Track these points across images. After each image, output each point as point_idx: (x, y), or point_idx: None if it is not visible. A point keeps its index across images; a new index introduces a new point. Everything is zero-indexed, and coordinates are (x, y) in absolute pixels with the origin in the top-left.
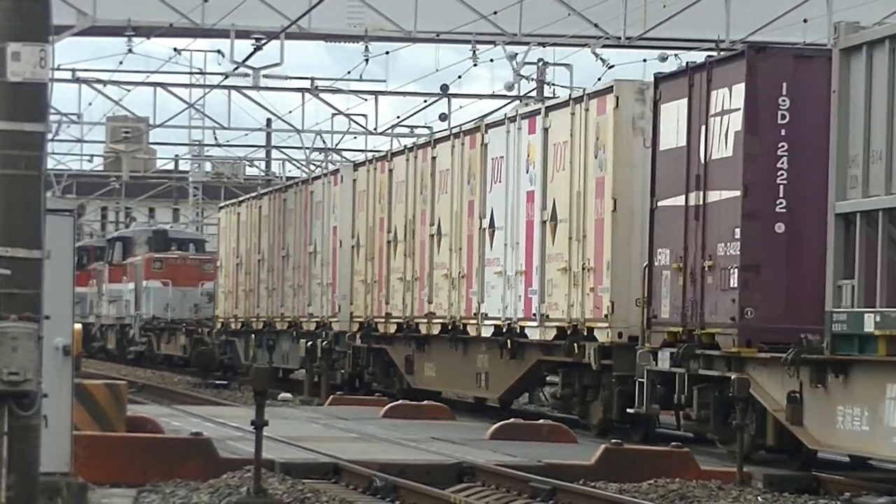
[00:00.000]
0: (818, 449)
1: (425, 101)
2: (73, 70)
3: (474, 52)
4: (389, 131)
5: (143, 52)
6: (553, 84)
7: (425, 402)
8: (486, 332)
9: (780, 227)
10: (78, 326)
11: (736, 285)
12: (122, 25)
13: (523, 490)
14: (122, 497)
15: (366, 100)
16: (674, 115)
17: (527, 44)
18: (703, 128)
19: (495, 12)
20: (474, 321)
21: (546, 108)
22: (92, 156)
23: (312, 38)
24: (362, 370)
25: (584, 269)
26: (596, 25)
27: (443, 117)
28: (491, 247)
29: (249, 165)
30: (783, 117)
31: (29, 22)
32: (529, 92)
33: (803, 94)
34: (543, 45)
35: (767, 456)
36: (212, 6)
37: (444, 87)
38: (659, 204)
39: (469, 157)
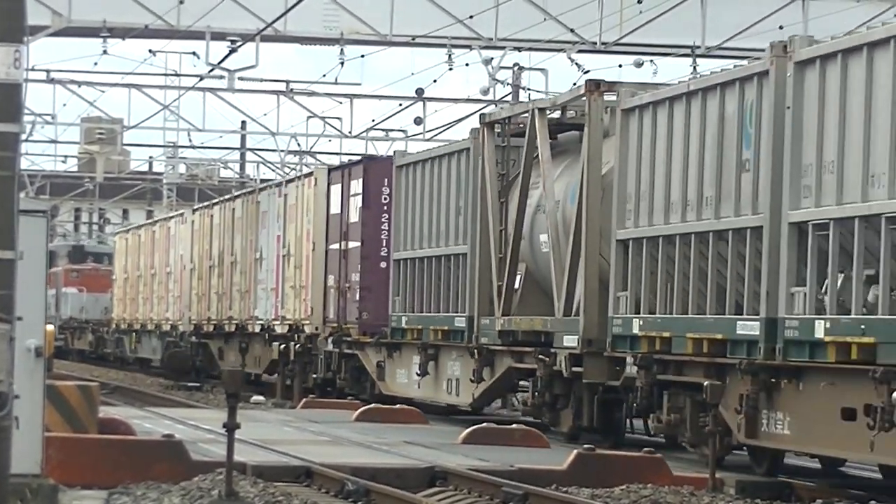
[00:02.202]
0: (387, 393)
1: (400, 105)
2: (48, 71)
3: (450, 56)
4: (364, 134)
5: (118, 54)
6: (528, 89)
7: (398, 405)
8: (257, 329)
9: (383, 265)
10: (50, 328)
11: (358, 299)
12: (98, 26)
13: (495, 495)
14: (93, 499)
15: (341, 103)
16: (337, 193)
17: (502, 48)
18: (347, 203)
19: (471, 16)
20: (251, 322)
21: (286, 181)
22: (66, 157)
23: (288, 41)
24: (194, 359)
25: (300, 286)
26: (572, 30)
27: (418, 121)
28: (260, 271)
29: (224, 168)
30: (386, 199)
31: (4, 22)
32: (505, 97)
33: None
34: (519, 49)
35: (735, 461)
36: (187, 8)
37: (420, 91)
38: (329, 247)
39: (250, 210)
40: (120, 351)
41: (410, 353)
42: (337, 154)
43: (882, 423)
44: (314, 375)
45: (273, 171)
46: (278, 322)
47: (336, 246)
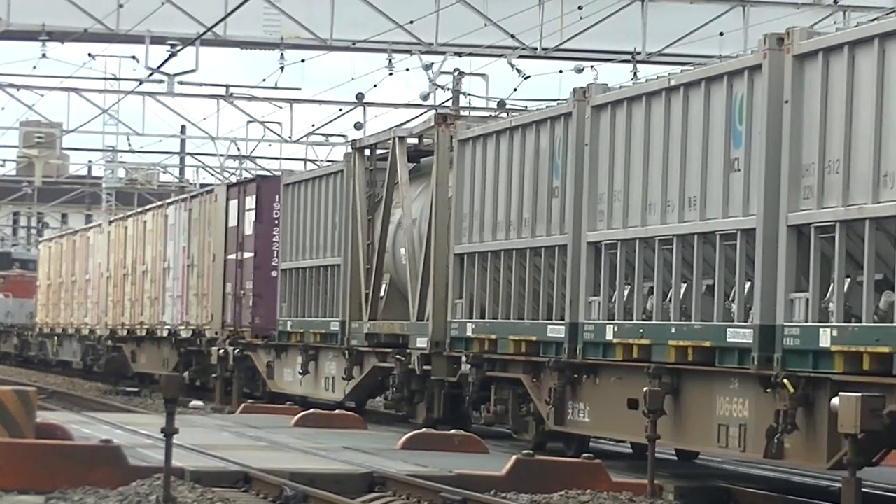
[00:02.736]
0: (275, 390)
1: (340, 110)
2: None
3: (390, 61)
4: (304, 139)
5: (57, 58)
6: (469, 94)
7: (337, 411)
8: (165, 334)
9: (273, 273)
10: None
11: (251, 305)
12: (37, 30)
13: (434, 500)
14: None
15: (281, 107)
16: (234, 207)
17: (443, 53)
18: (243, 217)
19: (411, 21)
20: (160, 327)
21: (191, 196)
22: (4, 160)
23: (228, 45)
24: (109, 361)
25: (203, 294)
26: (512, 36)
27: (358, 126)
28: (168, 279)
29: (163, 172)
30: (276, 214)
31: None
32: (445, 102)
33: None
34: (459, 54)
35: (674, 468)
36: (127, 12)
37: (360, 96)
38: (227, 258)
39: (159, 223)
40: (43, 354)
41: (295, 354)
42: (277, 159)
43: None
44: (213, 375)
45: (213, 175)
46: (183, 327)
47: (233, 256)
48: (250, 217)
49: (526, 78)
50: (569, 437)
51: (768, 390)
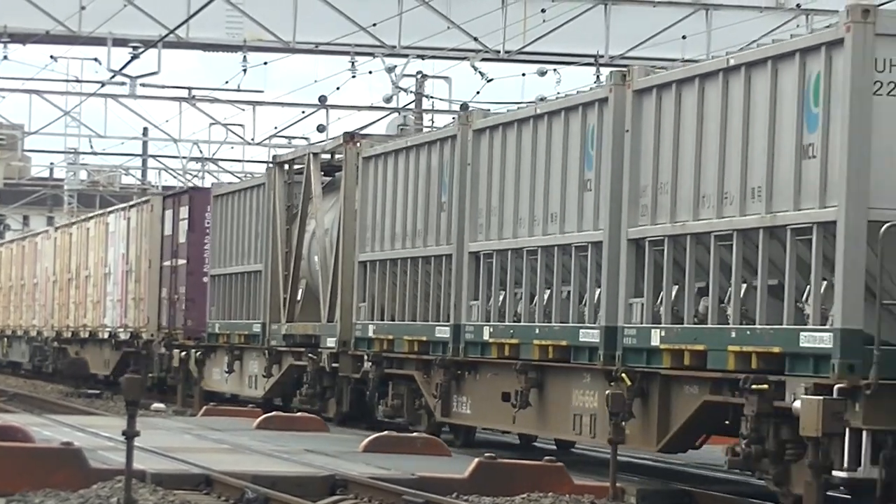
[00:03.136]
0: (206, 388)
1: (303, 112)
2: None
3: (353, 63)
4: (267, 142)
5: (19, 59)
6: (432, 97)
7: (299, 413)
8: (105, 335)
9: (205, 279)
10: None
11: (185, 308)
12: None
13: (396, 503)
14: None
15: (243, 110)
16: (169, 217)
17: (405, 56)
18: (177, 226)
19: (374, 24)
20: (101, 329)
21: (129, 206)
22: None
23: (190, 48)
24: (55, 363)
25: (140, 298)
26: (475, 39)
27: (321, 128)
28: (109, 284)
29: (125, 174)
30: (207, 222)
31: None
32: (408, 104)
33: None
34: (422, 57)
35: (636, 468)
36: (89, 14)
37: (323, 98)
38: (163, 264)
39: (100, 231)
40: None
41: (222, 355)
42: (240, 161)
43: (521, 402)
44: (150, 375)
45: (175, 177)
46: (122, 329)
47: (168, 263)
48: (184, 226)
49: (489, 81)
50: (457, 428)
51: (612, 383)
